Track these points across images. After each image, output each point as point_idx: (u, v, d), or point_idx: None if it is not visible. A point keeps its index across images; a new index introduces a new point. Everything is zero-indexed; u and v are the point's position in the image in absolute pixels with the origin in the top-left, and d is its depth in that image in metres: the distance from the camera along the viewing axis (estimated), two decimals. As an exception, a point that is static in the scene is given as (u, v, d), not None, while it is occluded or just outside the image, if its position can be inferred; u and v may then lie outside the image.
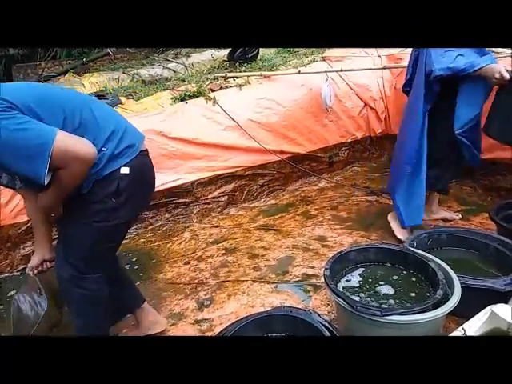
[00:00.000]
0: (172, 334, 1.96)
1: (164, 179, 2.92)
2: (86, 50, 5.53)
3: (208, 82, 3.34)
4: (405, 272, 1.83)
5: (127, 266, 2.59)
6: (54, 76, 4.59)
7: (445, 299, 1.52)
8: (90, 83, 4.18)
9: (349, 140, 3.75)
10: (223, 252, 2.66)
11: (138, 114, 2.92)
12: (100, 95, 3.09)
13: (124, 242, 2.83)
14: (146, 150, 1.61)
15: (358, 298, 1.69)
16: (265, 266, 2.46)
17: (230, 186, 3.26)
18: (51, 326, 1.66)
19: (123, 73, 4.40)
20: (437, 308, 1.47)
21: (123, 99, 3.15)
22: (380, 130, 3.82)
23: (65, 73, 4.59)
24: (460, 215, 2.72)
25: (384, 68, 3.55)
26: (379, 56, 3.72)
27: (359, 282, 1.81)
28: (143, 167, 1.57)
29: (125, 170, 1.45)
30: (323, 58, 3.78)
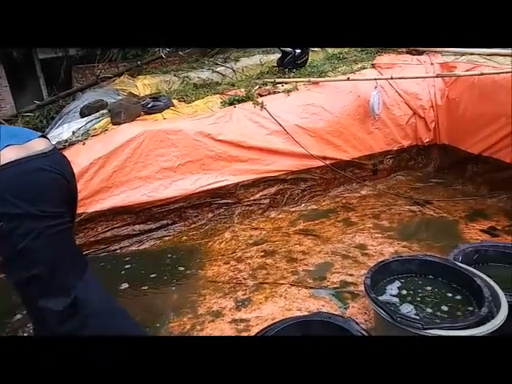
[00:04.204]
0: (209, 332, 2.02)
1: (209, 180, 3.02)
2: (140, 52, 5.78)
3: (257, 87, 3.41)
4: (448, 286, 1.78)
5: (169, 262, 2.70)
6: (110, 77, 4.84)
7: (490, 317, 1.48)
8: (142, 85, 4.38)
9: (395, 148, 3.70)
10: (262, 254, 2.70)
11: (189, 117, 3.04)
12: (154, 97, 3.24)
13: (167, 238, 3.01)
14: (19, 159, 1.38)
15: (397, 309, 1.67)
16: (303, 270, 2.48)
17: (272, 190, 3.30)
18: None
19: (174, 75, 4.56)
20: (481, 325, 1.43)
21: (175, 102, 3.29)
22: (428, 140, 3.73)
23: (120, 74, 4.83)
24: None
25: (436, 76, 3.46)
26: (432, 64, 3.64)
27: (400, 292, 1.79)
28: (12, 178, 1.36)
29: None
30: (373, 65, 3.75)
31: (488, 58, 3.42)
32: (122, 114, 2.95)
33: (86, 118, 3.17)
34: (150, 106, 3.13)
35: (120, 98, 3.67)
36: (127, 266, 2.71)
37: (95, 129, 2.96)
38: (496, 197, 3.13)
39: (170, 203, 2.97)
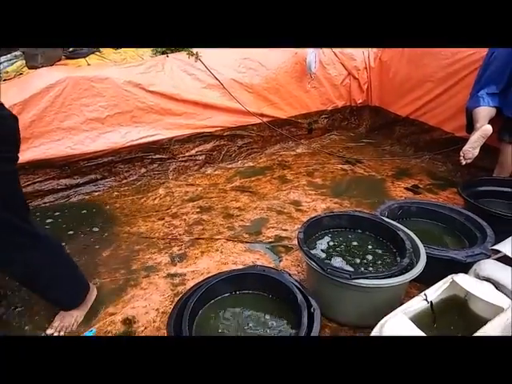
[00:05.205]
0: (144, 286, 1.97)
1: (141, 133, 2.86)
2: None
3: (191, 36, 3.21)
4: (375, 239, 1.90)
5: (98, 217, 2.57)
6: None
7: (410, 266, 1.60)
8: (64, 26, 3.95)
9: (329, 108, 3.76)
10: (198, 210, 2.67)
11: (117, 64, 2.81)
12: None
13: (96, 193, 2.85)
14: None
15: (328, 261, 1.75)
16: (239, 226, 2.49)
17: (208, 146, 3.23)
18: None
19: (101, 18, 4.16)
20: (402, 274, 1.55)
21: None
22: (361, 101, 3.84)
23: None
24: None
25: (371, 37, 3.51)
26: (367, 24, 3.67)
27: (330, 245, 1.87)
28: None
29: None
30: (311, 22, 3.69)
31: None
32: (38, 56, 2.64)
33: (-4, 59, 2.80)
34: (71, 49, 2.83)
35: (37, 38, 3.27)
36: (50, 221, 2.53)
37: (7, 72, 2.63)
38: (419, 157, 3.36)
39: (99, 157, 2.78)
